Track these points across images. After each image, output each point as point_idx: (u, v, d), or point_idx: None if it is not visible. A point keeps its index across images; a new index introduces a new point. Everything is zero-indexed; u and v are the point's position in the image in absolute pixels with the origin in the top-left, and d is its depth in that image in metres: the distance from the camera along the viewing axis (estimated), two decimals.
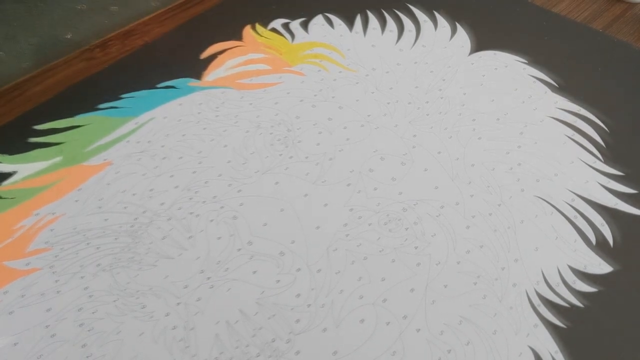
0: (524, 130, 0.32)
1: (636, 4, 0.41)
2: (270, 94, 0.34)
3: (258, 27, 0.38)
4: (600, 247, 0.27)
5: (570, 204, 0.29)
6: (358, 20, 0.39)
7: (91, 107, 0.32)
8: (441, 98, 0.34)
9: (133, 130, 0.32)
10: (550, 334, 0.24)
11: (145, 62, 0.35)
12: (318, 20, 0.38)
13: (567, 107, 0.34)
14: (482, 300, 0.25)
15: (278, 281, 0.26)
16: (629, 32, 0.39)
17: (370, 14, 0.39)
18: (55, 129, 0.31)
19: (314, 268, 0.26)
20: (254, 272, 0.26)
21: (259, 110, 0.33)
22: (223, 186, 0.29)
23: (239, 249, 0.27)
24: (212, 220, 0.28)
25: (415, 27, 0.38)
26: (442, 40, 0.37)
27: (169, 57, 0.34)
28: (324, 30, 0.38)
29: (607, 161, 0.31)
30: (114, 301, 0.25)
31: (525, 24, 0.39)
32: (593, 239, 0.28)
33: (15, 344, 0.23)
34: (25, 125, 0.31)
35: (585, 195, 0.29)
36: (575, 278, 0.26)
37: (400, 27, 0.38)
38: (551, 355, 0.24)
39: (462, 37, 0.38)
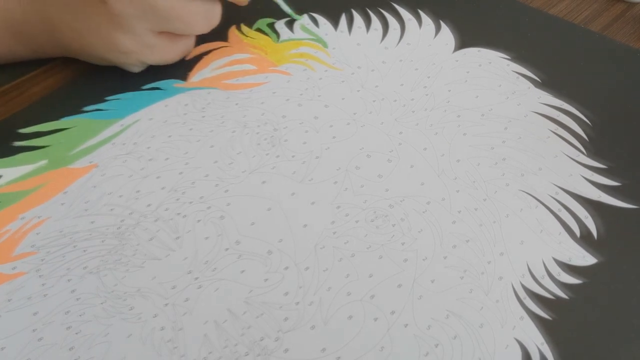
0: (508, 126, 0.33)
1: (636, 3, 0.42)
2: (256, 93, 0.34)
3: (243, 27, 0.38)
4: (585, 239, 0.28)
5: (555, 197, 0.29)
6: (343, 19, 0.39)
7: (76, 110, 0.32)
8: (426, 95, 0.34)
9: (118, 132, 0.31)
10: (536, 325, 0.25)
11: None
12: (303, 20, 0.38)
13: (551, 102, 0.34)
14: (468, 294, 0.25)
15: (266, 280, 0.26)
16: (628, 32, 0.39)
17: (355, 13, 0.39)
18: (40, 132, 0.31)
19: (302, 266, 0.26)
20: (242, 272, 0.26)
21: (245, 110, 0.33)
22: (210, 186, 0.29)
23: (227, 249, 0.27)
24: (199, 221, 0.28)
25: (400, 25, 0.39)
26: (427, 38, 0.38)
27: None
28: (309, 29, 0.38)
29: (590, 154, 0.31)
30: (102, 303, 0.25)
31: (509, 21, 0.39)
32: (577, 232, 0.28)
33: (2, 349, 0.23)
34: (10, 129, 0.31)
35: (569, 189, 0.30)
36: (560, 270, 0.27)
37: (385, 26, 0.38)
38: (537, 346, 0.24)
39: (446, 34, 0.38)
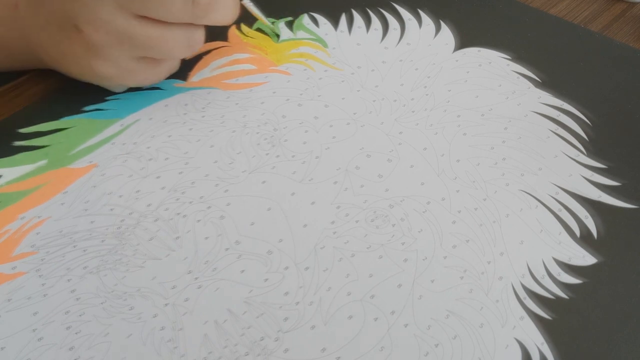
0: (508, 126, 0.33)
1: (636, 3, 0.42)
2: (256, 93, 0.34)
3: (243, 27, 0.38)
4: (585, 239, 0.28)
5: (555, 197, 0.29)
6: (343, 19, 0.39)
7: (76, 110, 0.32)
8: (426, 95, 0.34)
9: (118, 132, 0.31)
10: (536, 325, 0.25)
11: None
12: (303, 20, 0.38)
13: (551, 102, 0.34)
14: (468, 294, 0.25)
15: (266, 280, 0.26)
16: (628, 32, 0.39)
17: (355, 13, 0.39)
18: (40, 132, 0.31)
19: (302, 266, 0.26)
20: (242, 272, 0.26)
21: (245, 110, 0.33)
22: (210, 186, 0.29)
23: (227, 249, 0.27)
24: (199, 221, 0.28)
25: (400, 25, 0.39)
26: (427, 38, 0.38)
27: None
28: (309, 29, 0.38)
29: (590, 154, 0.31)
30: (102, 303, 0.25)
31: (509, 21, 0.39)
32: (577, 231, 0.28)
33: (2, 349, 0.23)
34: (10, 129, 0.31)
35: (569, 189, 0.30)
36: (560, 270, 0.27)
37: (385, 26, 0.38)
38: (537, 346, 0.24)
39: (446, 34, 0.38)
